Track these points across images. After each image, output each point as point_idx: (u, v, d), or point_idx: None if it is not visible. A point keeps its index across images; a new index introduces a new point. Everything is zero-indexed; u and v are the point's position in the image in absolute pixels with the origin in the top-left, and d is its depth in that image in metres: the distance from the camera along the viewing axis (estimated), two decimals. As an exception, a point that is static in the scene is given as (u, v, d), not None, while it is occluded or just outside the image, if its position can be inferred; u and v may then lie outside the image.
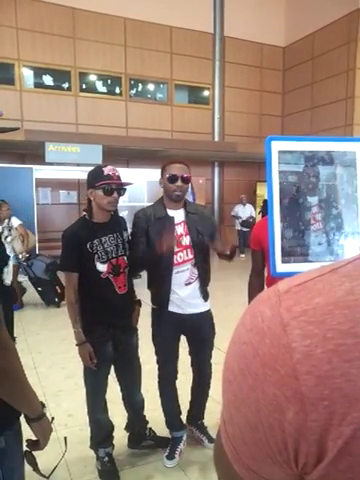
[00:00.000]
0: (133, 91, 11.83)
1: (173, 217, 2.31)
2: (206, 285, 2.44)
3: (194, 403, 2.66)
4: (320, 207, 0.65)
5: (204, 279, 2.40)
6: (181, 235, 2.33)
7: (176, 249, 2.30)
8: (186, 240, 2.32)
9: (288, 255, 0.65)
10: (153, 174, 9.63)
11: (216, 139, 12.07)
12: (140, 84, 11.97)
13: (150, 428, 2.63)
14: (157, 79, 11.79)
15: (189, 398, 2.67)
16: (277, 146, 0.62)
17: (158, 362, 2.49)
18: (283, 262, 0.65)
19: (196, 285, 2.36)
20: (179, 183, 2.25)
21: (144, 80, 11.80)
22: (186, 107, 12.16)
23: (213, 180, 12.35)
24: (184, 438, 2.58)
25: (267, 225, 0.69)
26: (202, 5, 11.34)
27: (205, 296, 2.43)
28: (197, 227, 2.34)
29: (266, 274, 2.39)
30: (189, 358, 2.58)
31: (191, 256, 2.32)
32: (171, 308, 2.35)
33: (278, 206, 0.64)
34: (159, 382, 2.53)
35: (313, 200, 0.65)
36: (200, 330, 2.43)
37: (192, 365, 2.55)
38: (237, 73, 12.37)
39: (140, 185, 9.14)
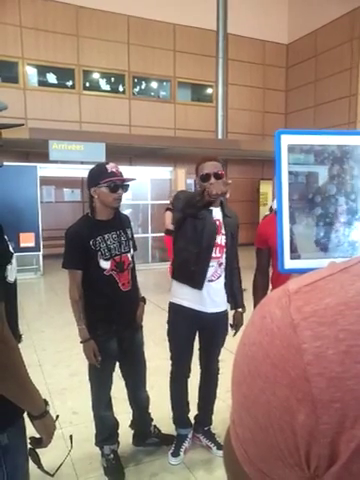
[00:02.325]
0: (136, 89, 11.82)
1: (212, 210, 2.29)
2: (233, 290, 2.44)
3: (202, 405, 2.62)
4: (330, 203, 0.64)
5: (231, 283, 2.41)
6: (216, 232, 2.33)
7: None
8: (218, 239, 2.31)
9: (297, 251, 0.64)
10: (156, 172, 9.65)
11: (219, 137, 12.05)
12: (143, 82, 11.96)
13: (155, 425, 2.64)
14: (160, 77, 11.78)
15: (197, 400, 2.63)
16: (287, 140, 0.62)
17: (171, 358, 2.47)
18: (292, 258, 0.64)
19: (219, 284, 2.35)
20: (212, 180, 2.20)
21: (147, 78, 11.80)
22: (189, 105, 12.15)
23: (216, 178, 12.32)
24: (190, 436, 2.58)
25: (275, 221, 0.68)
26: (205, 2, 11.30)
27: (228, 297, 2.42)
28: (231, 231, 2.36)
29: (271, 272, 2.39)
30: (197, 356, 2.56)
31: (219, 255, 2.31)
32: (190, 304, 2.33)
33: (287, 201, 0.64)
34: (171, 378, 2.51)
35: (323, 195, 0.64)
36: (216, 329, 2.42)
37: (200, 360, 2.54)
38: (240, 70, 12.34)
39: (144, 183, 9.13)
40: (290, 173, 0.62)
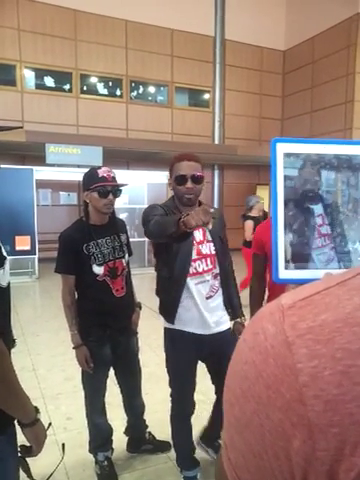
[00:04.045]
0: (134, 93, 11.85)
1: None
2: (231, 298, 2.14)
3: (214, 422, 2.32)
4: (326, 213, 0.64)
5: (228, 292, 2.12)
6: (200, 242, 2.01)
7: (194, 257, 1.98)
8: (206, 248, 2.02)
9: (291, 261, 0.64)
10: (153, 176, 9.65)
11: (216, 142, 12.09)
12: (141, 86, 11.99)
13: (149, 432, 2.62)
14: (158, 81, 11.81)
15: (208, 416, 2.41)
16: (283, 148, 0.61)
17: (172, 395, 2.17)
18: (286, 268, 0.63)
19: (218, 299, 2.07)
20: (189, 184, 1.90)
21: (145, 82, 11.82)
22: (186, 110, 12.18)
23: (213, 183, 12.36)
24: (198, 477, 2.26)
25: (270, 229, 0.68)
26: (203, 8, 11.37)
27: (229, 311, 2.13)
28: (219, 234, 2.07)
29: (268, 278, 2.36)
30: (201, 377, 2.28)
31: (211, 266, 2.02)
32: (189, 328, 2.02)
33: (282, 211, 0.63)
34: (172, 417, 2.21)
35: (319, 205, 0.64)
36: (224, 350, 1.94)
37: (216, 393, 2.24)
38: (237, 76, 12.40)
39: (140, 187, 9.12)
40: (286, 181, 0.61)
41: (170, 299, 2.01)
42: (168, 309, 2.04)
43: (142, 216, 1.95)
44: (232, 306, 2.16)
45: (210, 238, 2.04)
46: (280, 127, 13.28)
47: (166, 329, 2.11)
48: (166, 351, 2.13)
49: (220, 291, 2.09)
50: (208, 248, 2.03)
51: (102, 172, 2.14)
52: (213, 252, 2.04)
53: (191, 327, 2.02)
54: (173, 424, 2.22)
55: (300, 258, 0.62)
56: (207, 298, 2.03)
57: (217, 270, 2.06)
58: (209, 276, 2.03)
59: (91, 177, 2.15)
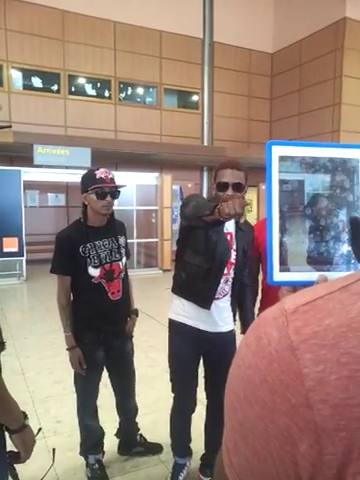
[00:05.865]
0: (122, 94, 11.82)
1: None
2: (245, 315, 2.22)
3: (209, 444, 2.29)
4: (321, 216, 0.64)
5: (241, 299, 2.20)
6: None
7: None
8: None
9: (286, 264, 0.64)
10: (142, 178, 9.63)
11: (205, 143, 12.10)
12: (129, 88, 11.97)
13: (141, 434, 2.60)
14: (146, 83, 11.81)
15: (203, 435, 2.33)
16: (278, 151, 0.62)
17: (173, 390, 2.18)
18: (281, 271, 0.64)
19: (226, 302, 2.11)
20: (230, 192, 1.93)
21: (133, 84, 11.81)
22: (175, 111, 12.19)
23: (202, 184, 12.37)
24: (188, 465, 2.30)
25: (264, 230, 0.68)
26: (192, 10, 11.39)
27: (235, 316, 2.19)
28: (244, 246, 2.11)
29: (261, 279, 2.35)
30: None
31: (227, 272, 2.08)
32: (194, 323, 2.08)
33: (277, 213, 0.63)
34: (172, 413, 2.24)
35: (314, 208, 0.64)
36: (222, 352, 2.07)
37: (205, 390, 2.24)
38: (226, 78, 12.45)
39: (129, 189, 9.10)
40: (281, 183, 0.62)
41: (207, 287, 2.04)
42: (205, 295, 2.06)
43: (183, 200, 2.00)
44: (244, 320, 2.23)
45: (235, 247, 2.09)
46: (268, 129, 13.37)
47: (170, 320, 2.15)
48: (169, 343, 2.16)
49: (229, 295, 2.12)
50: (231, 255, 2.07)
51: (100, 173, 2.12)
52: (233, 260, 2.08)
53: (195, 321, 2.07)
54: (172, 418, 2.26)
55: (294, 261, 0.62)
56: (215, 299, 2.08)
57: (231, 277, 2.10)
58: (222, 279, 2.07)
59: (89, 178, 2.13)
